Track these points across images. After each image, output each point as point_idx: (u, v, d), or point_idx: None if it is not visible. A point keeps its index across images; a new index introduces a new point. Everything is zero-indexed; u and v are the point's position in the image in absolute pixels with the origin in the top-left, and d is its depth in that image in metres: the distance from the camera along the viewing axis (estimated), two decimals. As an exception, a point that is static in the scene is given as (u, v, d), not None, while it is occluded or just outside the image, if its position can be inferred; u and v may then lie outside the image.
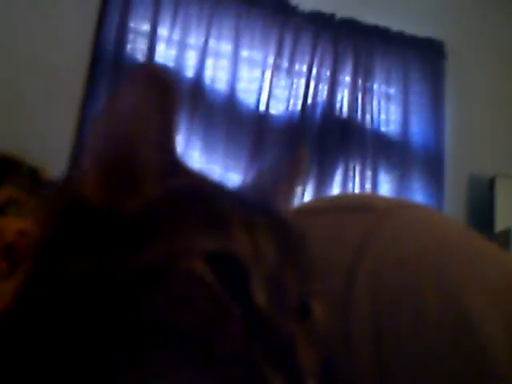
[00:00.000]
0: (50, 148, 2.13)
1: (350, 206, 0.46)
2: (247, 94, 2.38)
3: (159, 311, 0.28)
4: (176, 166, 0.33)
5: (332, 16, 2.52)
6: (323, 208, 0.48)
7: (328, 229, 0.45)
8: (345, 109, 2.48)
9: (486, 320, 0.37)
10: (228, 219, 0.30)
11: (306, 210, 0.50)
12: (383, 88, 2.55)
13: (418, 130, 2.55)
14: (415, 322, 0.38)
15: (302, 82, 2.44)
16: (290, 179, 0.42)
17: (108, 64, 2.23)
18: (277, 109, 2.40)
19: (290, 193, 0.42)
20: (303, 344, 0.29)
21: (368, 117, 2.49)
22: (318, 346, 0.32)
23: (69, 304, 0.29)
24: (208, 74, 2.34)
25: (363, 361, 0.39)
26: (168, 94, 0.31)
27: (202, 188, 0.33)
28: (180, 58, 2.32)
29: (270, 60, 2.42)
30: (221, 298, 0.29)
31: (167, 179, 0.32)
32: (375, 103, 2.52)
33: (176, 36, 2.34)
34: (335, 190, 2.41)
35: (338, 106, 2.47)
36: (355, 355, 0.39)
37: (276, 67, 2.42)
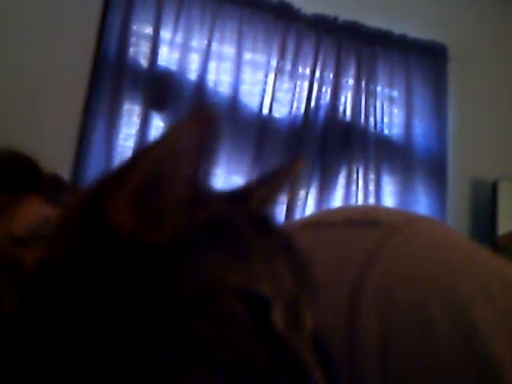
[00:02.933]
0: (53, 152, 2.13)
1: (358, 220, 0.47)
2: (250, 96, 2.37)
3: (198, 339, 0.29)
4: (201, 196, 0.34)
5: (335, 19, 2.51)
6: (331, 221, 0.48)
7: (336, 243, 0.45)
8: (348, 112, 2.48)
9: (492, 335, 0.37)
10: (251, 252, 0.32)
11: (314, 222, 0.50)
12: (386, 91, 2.55)
13: (420, 132, 2.55)
14: (422, 338, 0.38)
15: (305, 84, 2.44)
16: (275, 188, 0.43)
17: (110, 67, 2.23)
18: (280, 112, 2.40)
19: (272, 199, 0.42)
20: (317, 367, 0.31)
21: (371, 120, 2.49)
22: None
23: (99, 330, 0.29)
24: (211, 76, 2.34)
25: (369, 376, 0.39)
26: (212, 139, 0.32)
27: (224, 218, 0.34)
28: (183, 61, 2.32)
29: (273, 63, 2.42)
30: (251, 330, 0.30)
31: (194, 210, 0.33)
32: (378, 106, 2.52)
33: (179, 39, 2.33)
34: (338, 193, 2.41)
35: (341, 108, 2.47)
36: (361, 370, 0.39)
37: (279, 70, 2.42)
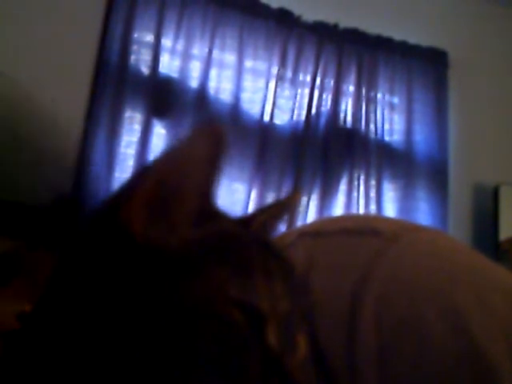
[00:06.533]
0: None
1: (356, 229, 0.46)
2: (251, 104, 2.38)
3: (197, 342, 0.30)
4: (210, 210, 0.36)
5: (335, 26, 2.52)
6: (329, 231, 0.48)
7: (334, 253, 0.45)
8: (349, 118, 2.48)
9: (492, 345, 0.37)
10: (253, 270, 0.34)
11: (312, 231, 0.50)
12: (387, 97, 2.56)
13: (421, 139, 2.56)
14: (421, 350, 0.38)
15: (306, 91, 2.44)
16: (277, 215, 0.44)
17: (112, 74, 2.23)
18: (281, 119, 2.40)
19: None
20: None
21: (372, 126, 2.49)
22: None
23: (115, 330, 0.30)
24: (212, 84, 2.34)
25: None
26: (221, 152, 0.34)
27: (230, 234, 0.36)
28: (184, 68, 2.33)
29: (274, 70, 2.43)
30: (248, 341, 0.32)
31: (202, 222, 0.34)
32: (379, 113, 2.52)
33: (180, 46, 2.34)
34: (340, 199, 2.41)
35: (342, 115, 2.47)
36: (361, 382, 0.39)
37: (280, 77, 2.43)
